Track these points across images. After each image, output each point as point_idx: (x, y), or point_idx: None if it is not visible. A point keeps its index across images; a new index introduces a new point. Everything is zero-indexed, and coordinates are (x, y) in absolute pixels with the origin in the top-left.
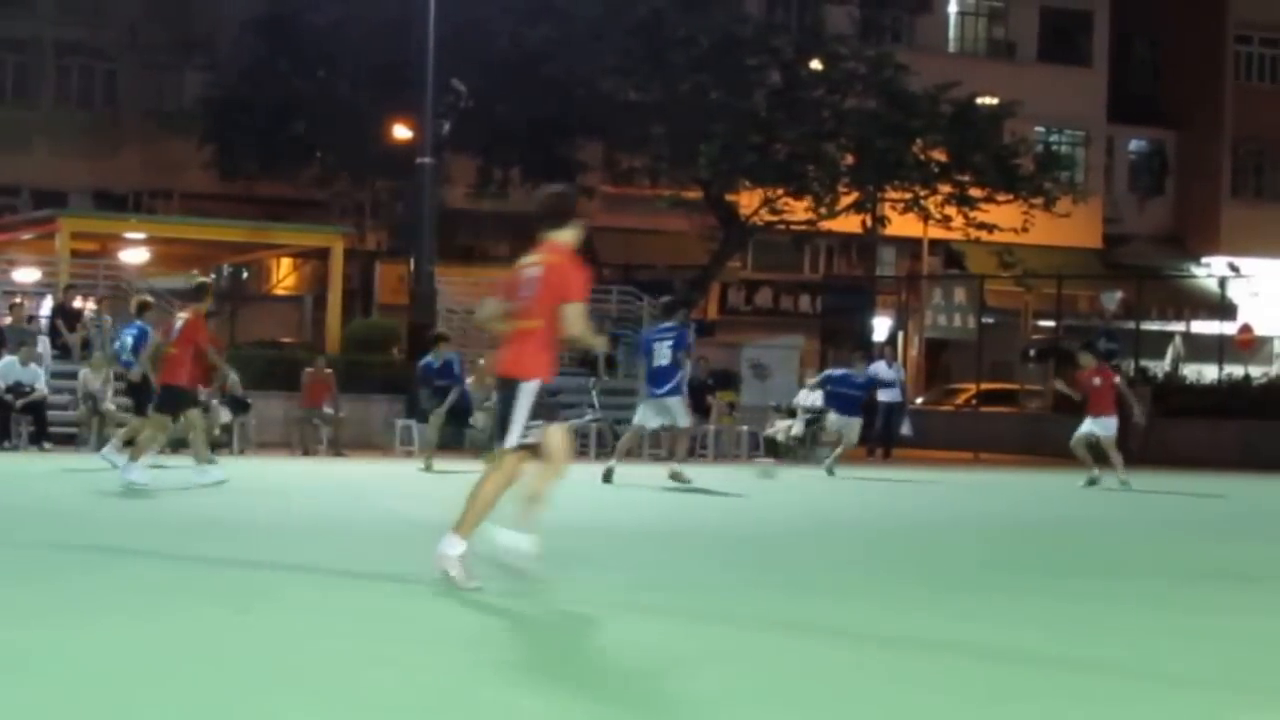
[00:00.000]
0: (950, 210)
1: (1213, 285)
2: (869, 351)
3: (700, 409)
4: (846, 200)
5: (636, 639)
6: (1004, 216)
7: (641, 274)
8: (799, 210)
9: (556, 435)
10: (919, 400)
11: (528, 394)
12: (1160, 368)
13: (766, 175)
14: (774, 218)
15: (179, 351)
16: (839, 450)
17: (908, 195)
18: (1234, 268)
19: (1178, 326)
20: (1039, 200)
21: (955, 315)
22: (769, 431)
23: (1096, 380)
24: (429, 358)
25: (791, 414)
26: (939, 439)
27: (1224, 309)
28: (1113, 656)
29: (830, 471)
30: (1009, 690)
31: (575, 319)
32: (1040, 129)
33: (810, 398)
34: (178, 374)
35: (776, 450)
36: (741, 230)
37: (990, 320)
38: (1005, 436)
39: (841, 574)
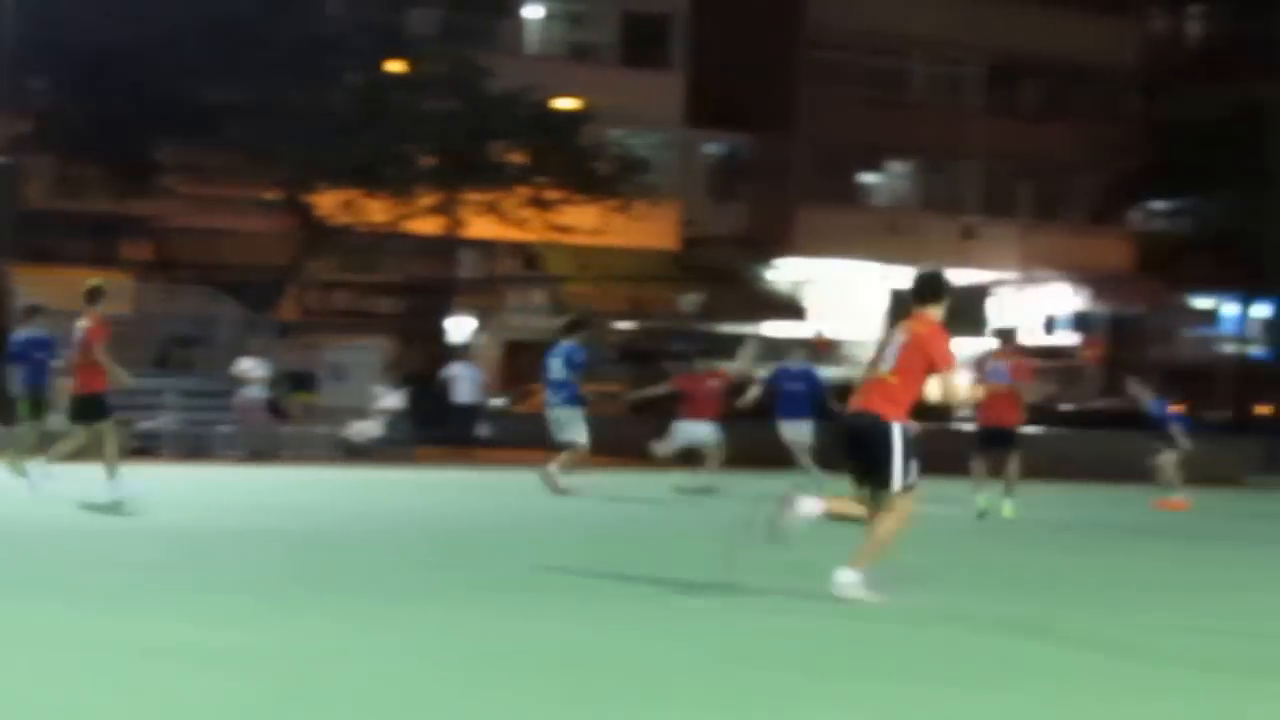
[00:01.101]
0: (529, 212)
1: (786, 287)
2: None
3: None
4: (426, 202)
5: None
6: (583, 219)
7: (221, 275)
8: (377, 212)
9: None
10: (499, 401)
11: (899, 437)
12: (735, 369)
13: (345, 176)
14: (353, 219)
15: (85, 360)
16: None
17: (488, 198)
18: (805, 271)
19: (753, 328)
20: (617, 203)
21: (534, 317)
22: (346, 433)
23: (712, 383)
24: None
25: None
26: (518, 440)
27: (796, 310)
28: (677, 657)
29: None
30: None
31: (949, 386)
32: (620, 132)
33: (390, 399)
34: (94, 382)
35: None
36: (320, 231)
37: None
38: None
39: (422, 574)
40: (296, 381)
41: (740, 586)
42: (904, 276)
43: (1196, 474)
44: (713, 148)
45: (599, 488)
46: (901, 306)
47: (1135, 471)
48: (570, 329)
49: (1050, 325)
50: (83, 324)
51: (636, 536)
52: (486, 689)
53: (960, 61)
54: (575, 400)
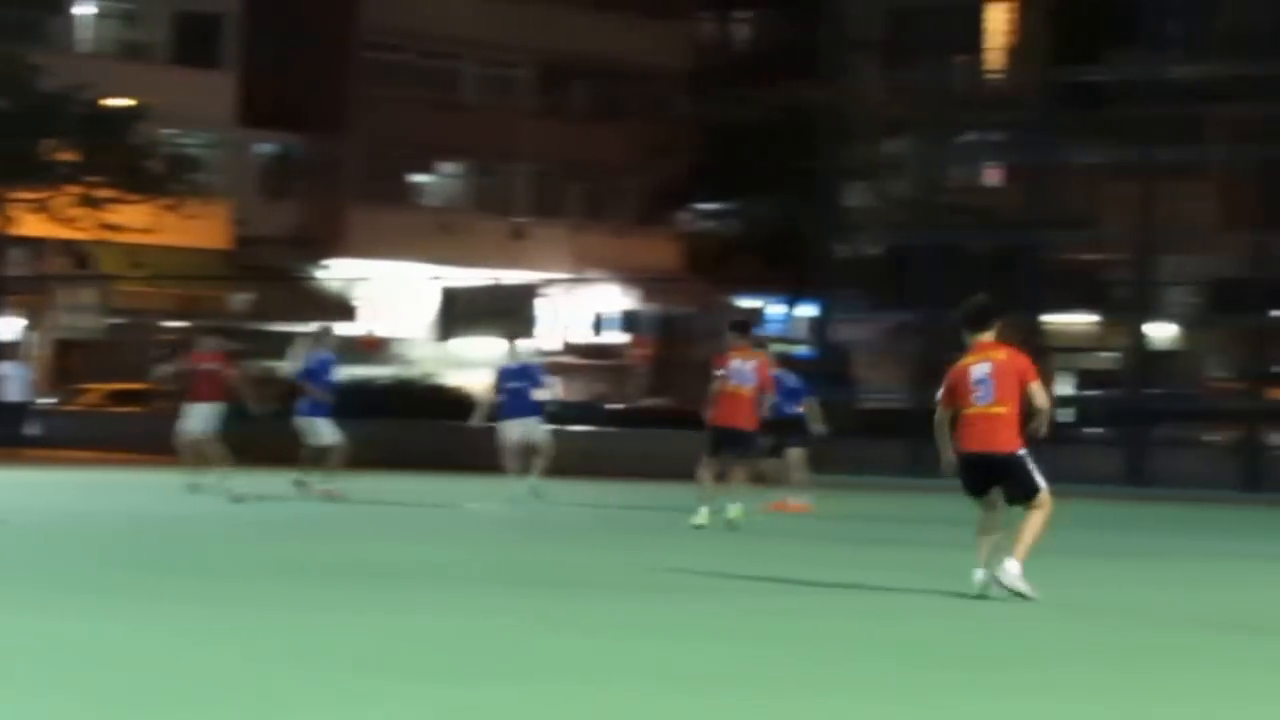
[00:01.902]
0: (79, 211)
1: (337, 287)
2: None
3: None
4: None
5: None
6: (134, 217)
7: None
8: None
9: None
10: (48, 400)
11: (1028, 458)
12: (286, 368)
13: None
14: None
15: None
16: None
17: (38, 196)
18: (357, 270)
19: (305, 327)
20: (169, 202)
21: (84, 315)
22: None
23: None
24: None
25: None
26: (68, 439)
27: (348, 310)
28: (224, 660)
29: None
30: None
31: (1041, 395)
32: (172, 131)
33: None
34: None
35: None
36: None
37: (121, 320)
38: (136, 436)
39: None
40: None
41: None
42: (455, 276)
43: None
44: (265, 147)
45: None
46: (454, 306)
47: (680, 470)
48: (317, 338)
49: (599, 325)
50: None
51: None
52: None
53: (511, 63)
54: (317, 409)
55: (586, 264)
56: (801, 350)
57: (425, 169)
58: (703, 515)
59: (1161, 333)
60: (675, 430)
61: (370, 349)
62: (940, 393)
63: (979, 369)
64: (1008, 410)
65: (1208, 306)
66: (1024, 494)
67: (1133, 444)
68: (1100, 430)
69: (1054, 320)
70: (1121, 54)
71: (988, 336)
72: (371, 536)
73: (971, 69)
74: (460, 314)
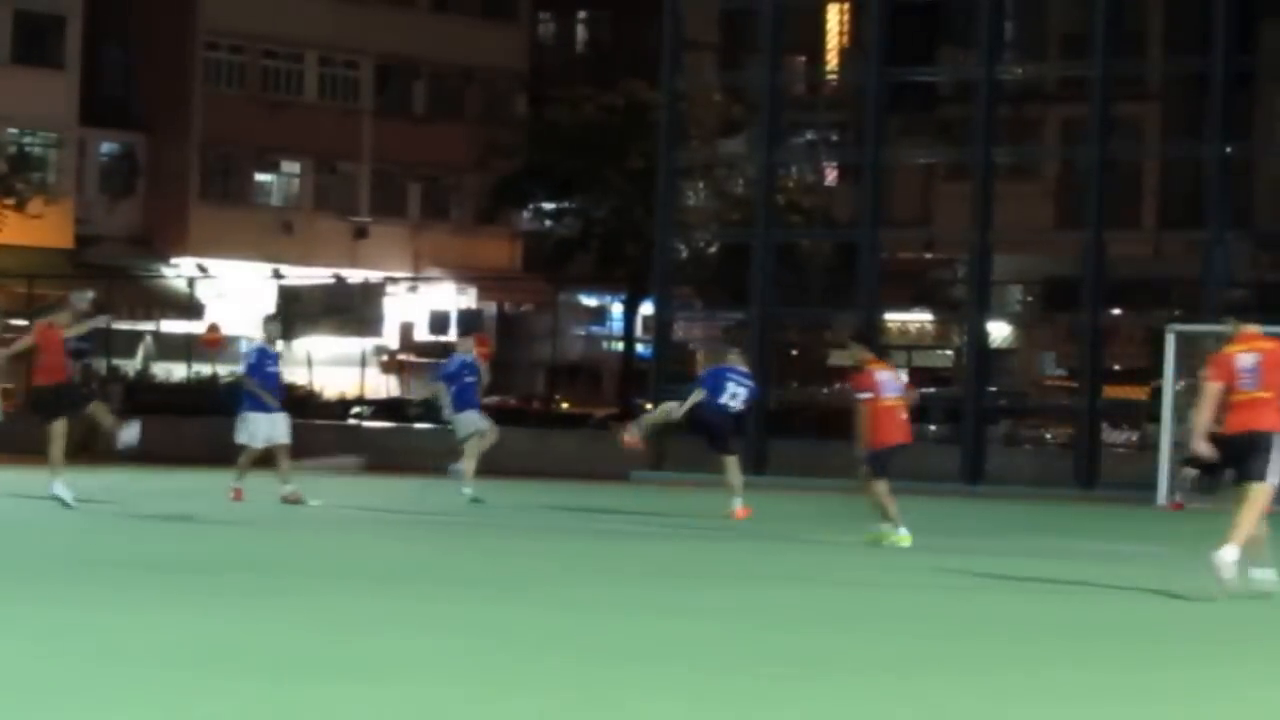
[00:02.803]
0: None
1: (182, 285)
2: None
3: None
4: None
5: None
6: None
7: None
8: None
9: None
10: None
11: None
12: (131, 366)
13: None
14: None
15: None
16: None
17: None
18: (202, 269)
19: (148, 326)
20: (10, 201)
21: None
22: None
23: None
24: None
25: None
26: None
27: (192, 309)
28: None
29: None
30: None
31: None
32: (13, 131)
33: None
34: None
35: None
36: None
37: None
38: None
39: None
40: None
41: None
42: (296, 275)
43: (582, 469)
44: (107, 147)
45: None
46: (294, 305)
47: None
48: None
49: (438, 323)
50: None
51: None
52: None
53: (352, 64)
54: (256, 405)
55: (426, 263)
56: (641, 348)
57: (267, 168)
58: (905, 535)
59: (997, 331)
60: (515, 427)
61: (212, 347)
62: (1209, 374)
63: (1243, 361)
64: (1273, 395)
65: (1042, 305)
66: (1256, 473)
67: (970, 442)
68: (936, 428)
69: (890, 319)
70: (956, 55)
71: (1254, 328)
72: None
73: (808, 69)
74: (300, 313)
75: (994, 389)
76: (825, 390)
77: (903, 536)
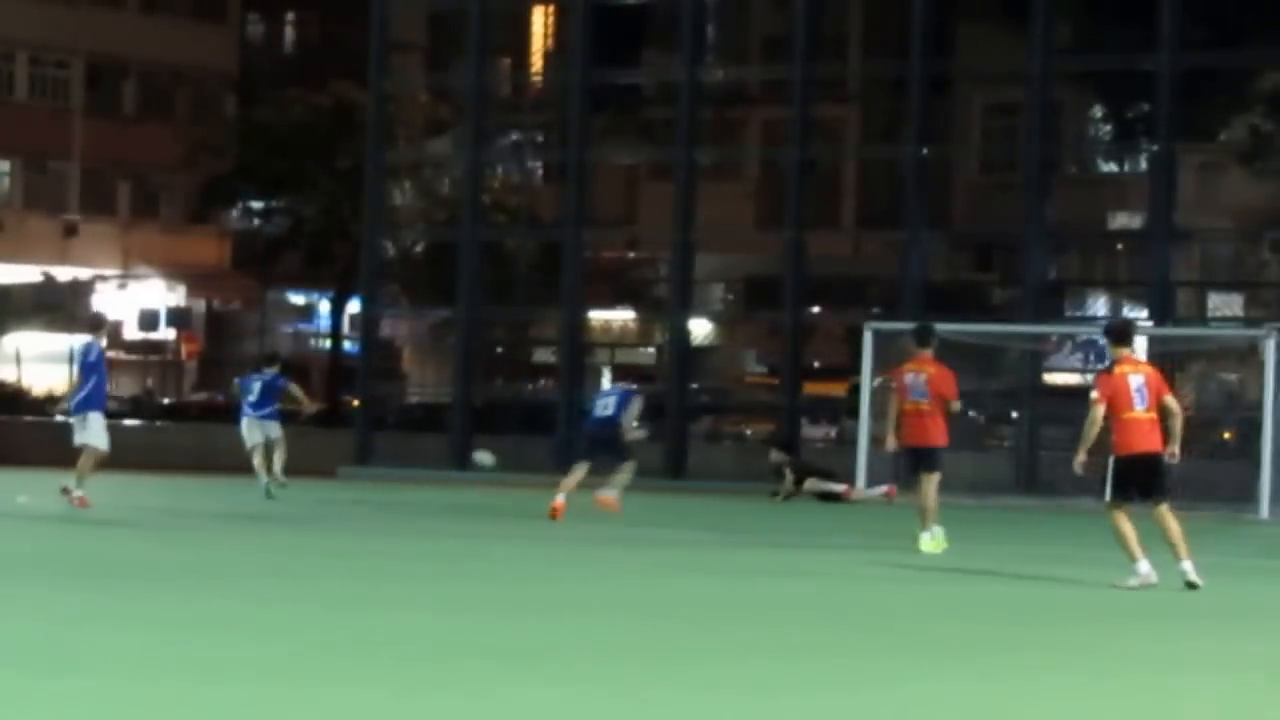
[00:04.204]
0: None
1: None
2: None
3: None
4: None
5: None
6: None
7: None
8: None
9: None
10: None
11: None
12: None
13: None
14: None
15: None
16: None
17: None
18: None
19: None
20: None
21: None
22: None
23: None
24: None
25: None
26: None
27: None
28: None
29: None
30: None
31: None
32: None
33: None
34: None
35: None
36: None
37: None
38: None
39: None
40: None
41: None
42: (6, 273)
43: (291, 465)
44: None
45: None
46: (2, 301)
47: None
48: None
49: (147, 321)
50: None
51: None
52: None
53: (62, 64)
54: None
55: (136, 260)
56: (348, 345)
57: None
58: (939, 536)
59: (699, 329)
60: (223, 425)
61: None
62: (1096, 396)
63: (1132, 382)
64: (1158, 415)
65: (744, 303)
66: (1160, 494)
67: (672, 438)
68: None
69: (594, 317)
70: (659, 57)
71: (1129, 350)
72: None
73: (514, 71)
74: (10, 310)
75: (696, 386)
76: (530, 387)
77: (931, 541)
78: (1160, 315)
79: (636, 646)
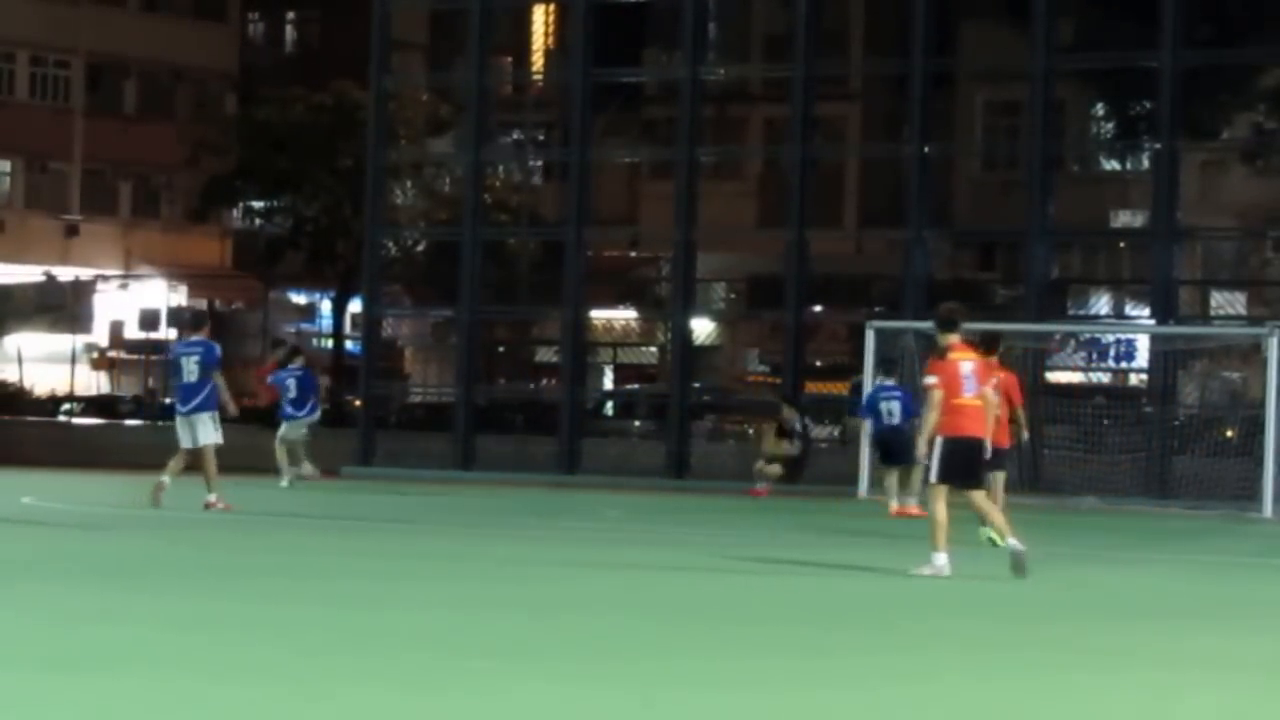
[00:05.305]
0: None
1: None
2: None
3: None
4: None
5: None
6: None
7: None
8: None
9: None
10: None
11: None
12: None
13: None
14: None
15: None
16: None
17: None
18: None
19: None
20: None
21: None
22: None
23: None
24: None
25: None
26: None
27: None
28: None
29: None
30: None
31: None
32: None
33: None
34: None
35: None
36: None
37: None
38: None
39: None
40: None
41: None
42: (8, 273)
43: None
44: None
45: None
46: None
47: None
48: (196, 324)
49: (149, 321)
50: None
51: None
52: None
53: (63, 64)
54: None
55: (137, 260)
56: (351, 345)
57: None
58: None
59: (701, 328)
60: (223, 425)
61: None
62: (933, 382)
63: (964, 369)
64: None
65: (746, 302)
66: (978, 481)
67: (674, 437)
68: (640, 423)
69: (596, 316)
70: (661, 56)
71: (956, 337)
72: None
73: (515, 70)
74: (11, 310)
75: (698, 385)
76: (532, 386)
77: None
78: (1163, 314)
79: (641, 644)
